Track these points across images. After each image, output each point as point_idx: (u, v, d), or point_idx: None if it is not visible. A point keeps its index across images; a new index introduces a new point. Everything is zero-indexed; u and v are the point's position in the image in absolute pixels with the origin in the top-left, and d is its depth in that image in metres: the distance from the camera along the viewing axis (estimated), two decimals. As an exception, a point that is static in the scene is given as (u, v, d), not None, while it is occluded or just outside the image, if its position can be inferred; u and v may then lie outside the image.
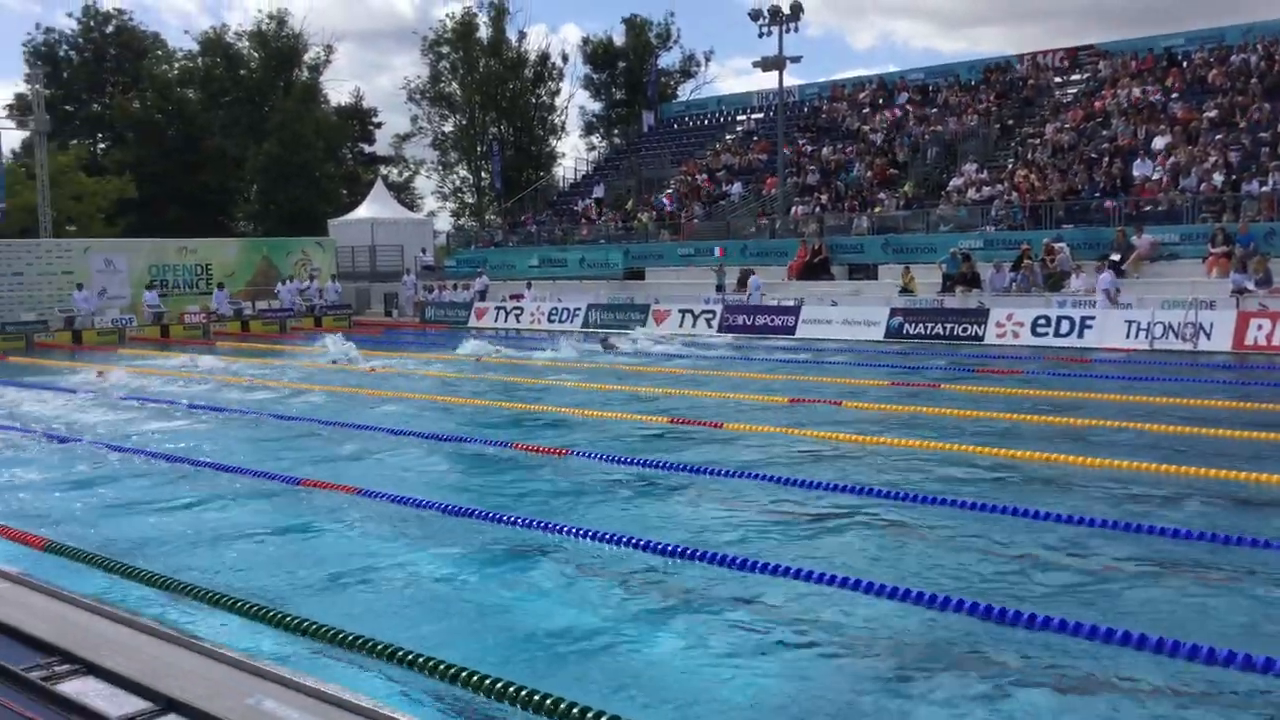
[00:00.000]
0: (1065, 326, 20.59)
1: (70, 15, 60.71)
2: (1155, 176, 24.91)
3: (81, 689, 4.15)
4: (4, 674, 4.28)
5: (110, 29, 61.55)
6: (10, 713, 3.92)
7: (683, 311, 26.40)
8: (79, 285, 29.11)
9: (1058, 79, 33.45)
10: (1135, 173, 25.29)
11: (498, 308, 30.79)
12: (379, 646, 5.11)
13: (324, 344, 22.92)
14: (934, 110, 34.17)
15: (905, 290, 24.66)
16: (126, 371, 19.01)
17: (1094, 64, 32.85)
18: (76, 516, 8.47)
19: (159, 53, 62.67)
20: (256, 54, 61.00)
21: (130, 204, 53.58)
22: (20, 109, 51.92)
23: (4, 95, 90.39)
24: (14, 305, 28.79)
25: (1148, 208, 24.18)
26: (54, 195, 38.73)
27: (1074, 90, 32.29)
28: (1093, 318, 20.34)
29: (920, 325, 22.53)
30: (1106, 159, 26.29)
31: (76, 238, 38.89)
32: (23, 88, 55.81)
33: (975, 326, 21.72)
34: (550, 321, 28.66)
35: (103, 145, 62.10)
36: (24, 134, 47.13)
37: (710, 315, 25.87)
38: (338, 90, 74.06)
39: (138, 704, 3.99)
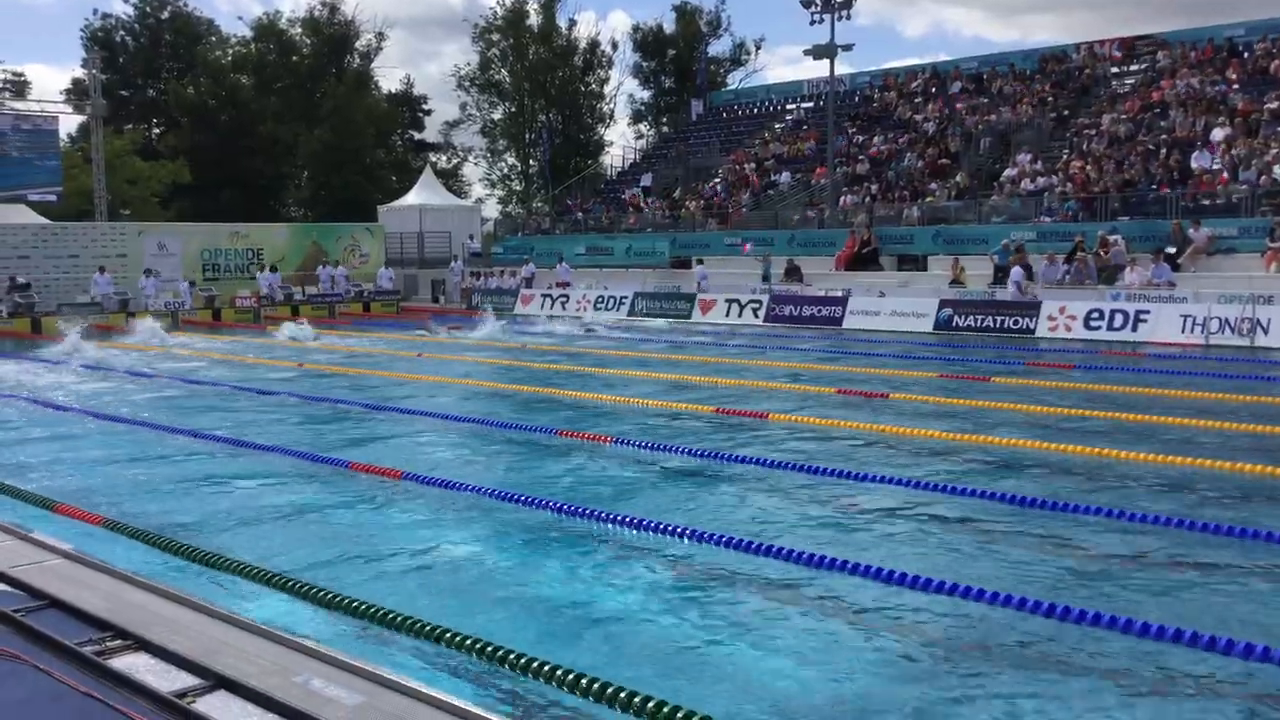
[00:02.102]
0: (1119, 320, 20.24)
1: (127, 1, 61.50)
2: (1214, 169, 24.43)
3: (133, 664, 4.22)
4: (58, 648, 4.36)
5: (166, 15, 62.41)
6: (64, 687, 3.98)
7: (729, 301, 26.32)
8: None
9: (1115, 69, 32.88)
10: (1194, 165, 24.82)
11: (544, 294, 30.87)
12: (425, 627, 5.13)
13: (283, 328, 23.91)
14: (987, 100, 33.75)
15: (955, 282, 24.40)
16: (149, 352, 19.31)
17: (1152, 54, 32.25)
18: (127, 494, 8.60)
19: (213, 39, 63.45)
20: (309, 41, 61.64)
21: (184, 189, 54.37)
22: (78, 94, 52.81)
23: (62, 80, 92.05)
24: (70, 287, 29.31)
25: (1205, 200, 23.72)
26: (109, 179, 39.40)
27: (1131, 80, 31.75)
28: (1147, 312, 19.98)
29: (970, 317, 22.24)
30: (1164, 151, 25.82)
31: (131, 221, 39.53)
32: (80, 73, 56.83)
33: (1027, 320, 21.40)
34: (596, 309, 28.66)
35: (157, 130, 63.04)
36: (81, 118, 47.90)
37: (757, 305, 25.76)
38: (388, 77, 74.84)
39: (188, 680, 4.04)
